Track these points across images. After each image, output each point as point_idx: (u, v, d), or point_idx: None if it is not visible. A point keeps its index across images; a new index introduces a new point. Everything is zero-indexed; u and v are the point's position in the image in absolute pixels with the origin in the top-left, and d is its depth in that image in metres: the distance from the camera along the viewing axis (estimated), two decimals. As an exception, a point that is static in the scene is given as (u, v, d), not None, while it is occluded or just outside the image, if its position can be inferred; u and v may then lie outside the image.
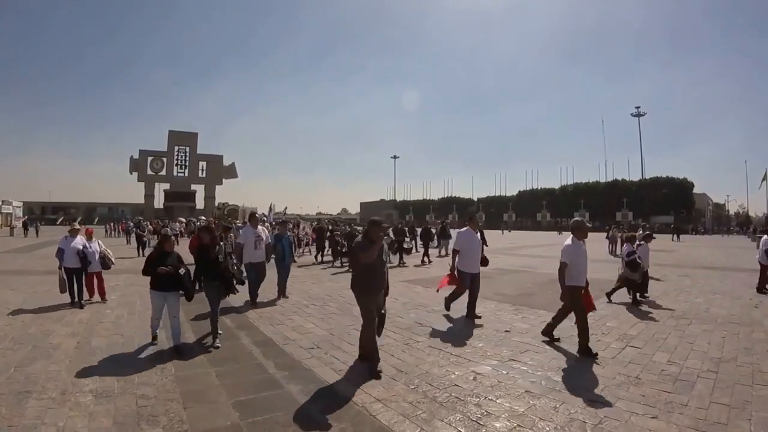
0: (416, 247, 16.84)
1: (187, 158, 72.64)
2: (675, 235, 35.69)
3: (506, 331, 5.65)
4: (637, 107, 66.55)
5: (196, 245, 7.29)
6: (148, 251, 16.83)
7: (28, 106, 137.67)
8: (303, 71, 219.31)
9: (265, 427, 3.03)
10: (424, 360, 4.49)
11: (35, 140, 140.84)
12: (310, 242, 17.85)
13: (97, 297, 7.43)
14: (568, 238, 4.98)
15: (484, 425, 3.08)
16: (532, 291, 8.77)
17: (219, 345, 4.87)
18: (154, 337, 4.99)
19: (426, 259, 14.63)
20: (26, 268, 12.51)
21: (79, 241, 7.19)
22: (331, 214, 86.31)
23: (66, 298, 7.00)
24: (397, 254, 14.09)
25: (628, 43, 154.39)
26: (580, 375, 4.06)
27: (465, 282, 6.28)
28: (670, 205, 61.94)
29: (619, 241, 20.02)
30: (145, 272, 4.83)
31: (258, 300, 7.32)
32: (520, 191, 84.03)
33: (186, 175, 72.96)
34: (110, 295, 7.69)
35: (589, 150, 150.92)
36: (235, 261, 5.96)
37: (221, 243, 5.54)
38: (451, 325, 6.01)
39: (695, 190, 66.98)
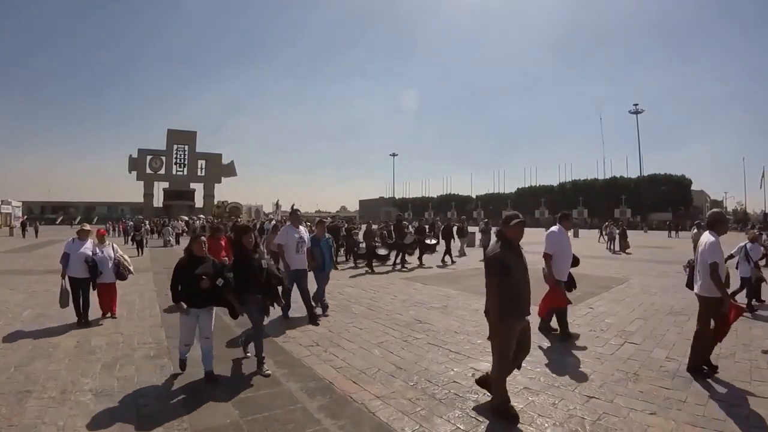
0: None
1: (186, 157, 72.55)
2: (672, 231, 36.09)
3: None
4: (636, 104, 66.70)
5: (224, 247, 6.79)
6: (147, 250, 16.95)
7: (27, 104, 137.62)
8: (301, 69, 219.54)
9: (264, 425, 3.04)
10: (423, 357, 4.50)
11: (34, 139, 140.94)
12: None
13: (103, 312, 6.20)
14: (706, 233, 4.08)
15: (482, 422, 3.10)
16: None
17: (269, 372, 4.04)
18: (182, 366, 4.06)
19: (448, 258, 13.56)
20: (26, 267, 12.50)
21: (89, 245, 5.99)
22: (330, 212, 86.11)
23: (70, 315, 5.82)
24: (417, 253, 13.47)
25: (627, 41, 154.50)
26: (578, 371, 4.07)
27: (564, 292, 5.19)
28: (668, 202, 62.00)
29: (617, 238, 20.07)
30: (174, 285, 3.89)
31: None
32: (518, 189, 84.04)
33: (185, 173, 72.90)
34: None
35: (588, 147, 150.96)
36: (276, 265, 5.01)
37: (261, 246, 4.66)
38: (451, 322, 6.02)
39: (693, 187, 67.02)
